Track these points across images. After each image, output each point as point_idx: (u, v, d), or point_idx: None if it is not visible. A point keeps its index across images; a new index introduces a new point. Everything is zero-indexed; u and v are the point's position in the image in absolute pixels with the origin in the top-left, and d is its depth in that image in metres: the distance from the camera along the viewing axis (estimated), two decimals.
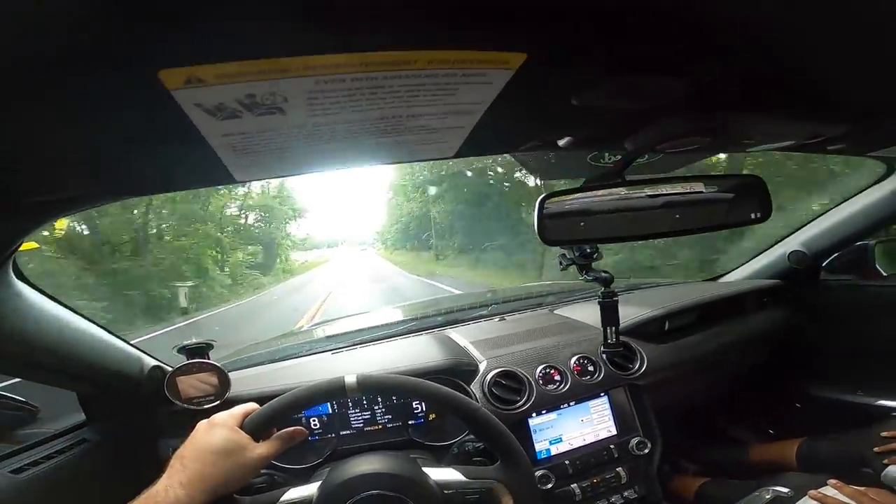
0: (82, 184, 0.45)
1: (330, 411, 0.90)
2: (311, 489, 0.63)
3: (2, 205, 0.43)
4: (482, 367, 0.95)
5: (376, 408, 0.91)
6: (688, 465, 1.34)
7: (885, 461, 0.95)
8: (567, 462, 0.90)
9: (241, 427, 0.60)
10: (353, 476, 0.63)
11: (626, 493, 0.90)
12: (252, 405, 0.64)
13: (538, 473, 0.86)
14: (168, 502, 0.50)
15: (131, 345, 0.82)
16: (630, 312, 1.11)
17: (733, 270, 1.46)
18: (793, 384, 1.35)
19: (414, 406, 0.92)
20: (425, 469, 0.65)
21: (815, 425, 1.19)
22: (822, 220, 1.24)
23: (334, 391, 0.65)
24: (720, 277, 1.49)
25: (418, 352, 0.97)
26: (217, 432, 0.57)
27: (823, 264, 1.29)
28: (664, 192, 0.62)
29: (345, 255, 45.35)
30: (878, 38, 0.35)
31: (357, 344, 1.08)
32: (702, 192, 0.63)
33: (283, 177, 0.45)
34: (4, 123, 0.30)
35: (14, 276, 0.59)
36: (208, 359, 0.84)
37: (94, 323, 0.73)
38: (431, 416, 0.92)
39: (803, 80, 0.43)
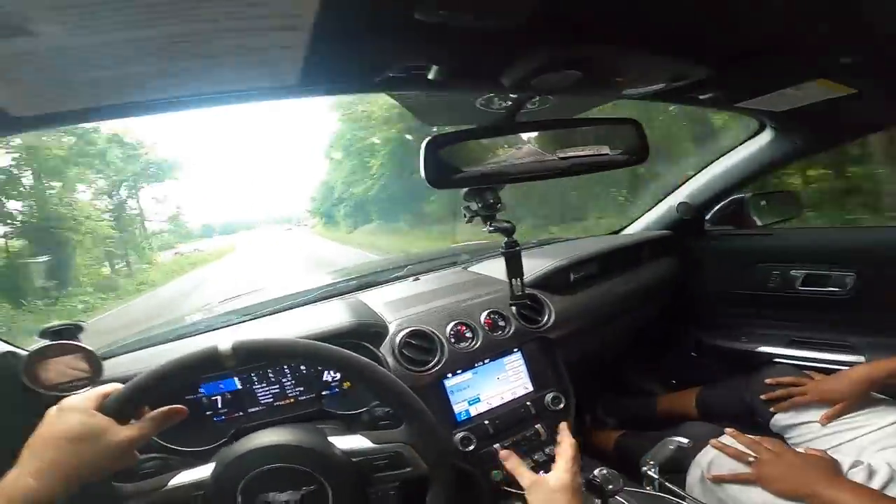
0: None
1: (237, 387, 0.84)
2: (205, 470, 0.59)
3: None
4: (392, 328, 0.93)
5: (285, 380, 0.87)
6: (607, 418, 1.40)
7: (772, 408, 1.00)
8: (487, 422, 0.89)
9: (101, 409, 0.55)
10: (249, 450, 0.59)
11: (547, 450, 0.90)
12: (114, 385, 0.58)
13: (459, 436, 0.86)
14: (17, 493, 0.45)
15: None
16: (537, 265, 1.14)
17: (633, 223, 1.54)
18: (686, 333, 1.44)
19: (325, 376, 0.89)
20: (332, 438, 0.63)
21: (709, 374, 1.26)
22: (705, 173, 1.35)
23: (207, 360, 0.59)
24: (622, 231, 1.57)
25: (323, 317, 0.92)
26: (68, 417, 0.53)
27: (707, 216, 1.40)
28: (551, 136, 0.63)
29: (259, 240, 30.19)
30: None
31: (261, 316, 1.01)
32: (586, 136, 0.65)
33: (89, 120, 0.38)
34: None
35: None
36: (78, 342, 0.75)
37: None
38: (346, 385, 0.89)
39: (665, 16, 0.43)
